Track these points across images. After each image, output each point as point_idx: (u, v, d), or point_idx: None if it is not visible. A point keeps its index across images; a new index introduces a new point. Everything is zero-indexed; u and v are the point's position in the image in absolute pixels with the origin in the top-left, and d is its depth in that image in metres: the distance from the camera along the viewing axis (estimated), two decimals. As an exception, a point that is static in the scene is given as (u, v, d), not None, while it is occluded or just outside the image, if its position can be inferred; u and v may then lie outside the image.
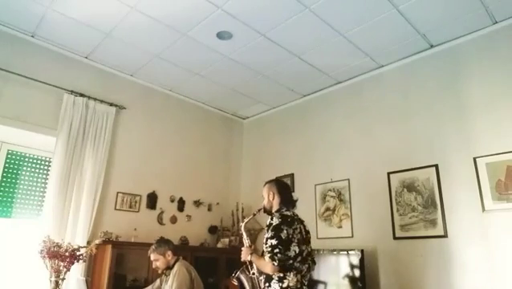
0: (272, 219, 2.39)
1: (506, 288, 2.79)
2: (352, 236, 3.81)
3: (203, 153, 4.92)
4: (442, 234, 3.19)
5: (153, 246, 3.18)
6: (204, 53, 3.83)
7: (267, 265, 2.26)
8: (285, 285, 2.26)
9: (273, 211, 2.53)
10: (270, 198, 2.57)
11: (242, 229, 2.66)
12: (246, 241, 2.60)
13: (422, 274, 3.24)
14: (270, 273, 2.28)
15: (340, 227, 3.93)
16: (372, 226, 3.66)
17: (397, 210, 3.52)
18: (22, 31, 3.56)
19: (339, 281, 3.44)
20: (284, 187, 2.65)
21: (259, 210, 2.63)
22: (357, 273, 3.33)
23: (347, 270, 3.42)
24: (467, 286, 2.97)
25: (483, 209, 3.01)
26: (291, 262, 2.27)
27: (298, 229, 2.40)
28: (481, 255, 2.95)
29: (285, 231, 2.29)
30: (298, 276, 2.30)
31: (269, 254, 2.25)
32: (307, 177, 4.37)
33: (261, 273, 2.39)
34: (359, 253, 3.36)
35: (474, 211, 3.05)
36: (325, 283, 3.53)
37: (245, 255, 2.47)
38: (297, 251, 2.30)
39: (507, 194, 2.92)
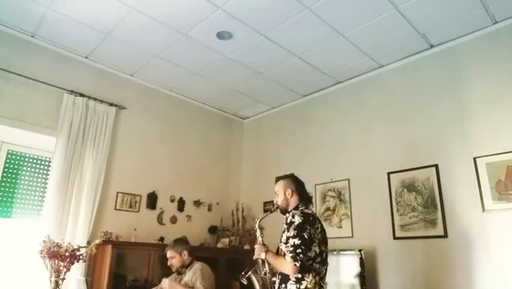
0: (294, 217, 2.25)
1: (506, 288, 2.80)
2: (352, 236, 3.81)
3: (203, 153, 4.92)
4: (442, 234, 3.19)
5: (171, 244, 3.34)
6: (204, 53, 3.83)
7: (288, 265, 2.14)
8: (303, 287, 2.16)
9: (289, 209, 2.42)
10: (287, 196, 2.45)
11: (257, 226, 2.52)
12: (260, 238, 2.48)
13: (422, 275, 3.24)
14: (290, 274, 2.16)
15: (340, 227, 3.93)
16: (372, 226, 3.66)
17: (397, 210, 3.52)
18: (22, 31, 3.56)
19: (339, 281, 3.43)
20: (301, 184, 2.53)
21: (276, 208, 2.49)
22: (357, 273, 3.33)
23: (347, 270, 3.41)
24: (467, 287, 2.97)
25: (483, 209, 3.01)
26: (310, 262, 2.18)
27: (319, 229, 2.29)
28: (481, 255, 2.95)
29: (308, 230, 2.19)
30: (317, 278, 2.20)
31: (291, 254, 2.13)
32: (307, 177, 4.27)
33: (274, 273, 2.31)
34: (359, 253, 3.36)
35: (474, 211, 3.05)
36: (325, 283, 3.52)
37: (259, 253, 2.35)
38: (317, 252, 2.21)
39: (507, 194, 2.92)
